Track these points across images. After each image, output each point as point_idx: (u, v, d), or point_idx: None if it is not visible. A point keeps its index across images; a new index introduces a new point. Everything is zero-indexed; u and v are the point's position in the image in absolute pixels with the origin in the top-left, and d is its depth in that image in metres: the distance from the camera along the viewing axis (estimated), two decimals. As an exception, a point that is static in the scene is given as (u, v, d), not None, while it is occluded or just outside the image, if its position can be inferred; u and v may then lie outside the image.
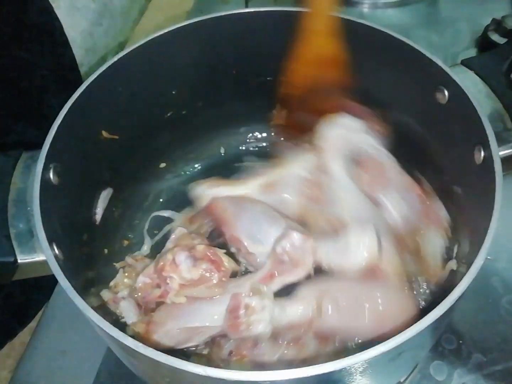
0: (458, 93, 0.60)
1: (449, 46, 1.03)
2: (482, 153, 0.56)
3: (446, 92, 0.63)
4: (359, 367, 0.43)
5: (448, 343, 0.69)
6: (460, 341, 0.69)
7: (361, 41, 0.68)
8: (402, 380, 0.66)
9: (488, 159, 0.55)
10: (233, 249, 0.66)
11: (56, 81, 0.86)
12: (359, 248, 0.60)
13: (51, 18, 0.84)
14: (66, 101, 0.61)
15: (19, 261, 0.56)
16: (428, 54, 0.63)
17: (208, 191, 0.69)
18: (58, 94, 0.82)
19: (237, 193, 0.69)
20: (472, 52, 1.01)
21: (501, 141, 0.58)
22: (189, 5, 1.17)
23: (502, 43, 0.94)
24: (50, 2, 0.82)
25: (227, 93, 0.79)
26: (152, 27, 1.14)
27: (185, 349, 0.60)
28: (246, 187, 0.69)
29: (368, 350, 0.42)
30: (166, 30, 0.68)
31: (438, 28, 1.07)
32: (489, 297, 0.73)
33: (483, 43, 1.00)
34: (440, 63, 0.62)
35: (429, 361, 0.68)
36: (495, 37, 0.96)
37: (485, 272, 0.73)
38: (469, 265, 0.48)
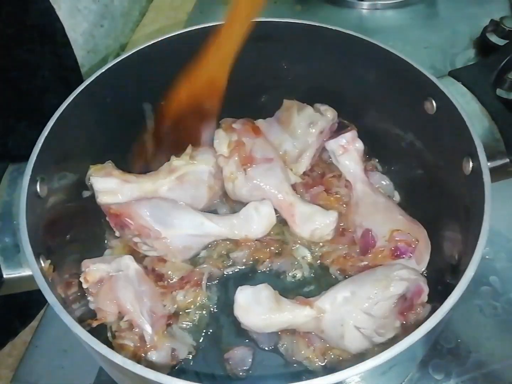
0: (446, 104, 0.60)
1: (448, 47, 1.03)
2: (471, 164, 0.56)
3: (434, 103, 0.63)
4: (350, 382, 0.43)
5: (446, 342, 0.69)
6: (459, 340, 0.69)
7: (349, 51, 0.69)
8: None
9: (477, 169, 0.55)
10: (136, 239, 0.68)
11: (57, 82, 0.86)
12: (260, 216, 0.69)
13: (52, 19, 0.84)
14: (67, 102, 0.61)
15: (4, 276, 0.55)
16: (416, 65, 0.63)
17: (114, 196, 0.68)
18: (60, 95, 0.83)
19: (145, 190, 0.69)
20: (471, 53, 1.02)
21: (490, 152, 0.57)
22: (190, 7, 1.18)
23: (500, 44, 0.94)
24: (52, 3, 0.83)
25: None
26: (153, 28, 1.15)
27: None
28: (154, 184, 0.70)
29: (359, 364, 0.42)
30: (165, 36, 0.68)
31: (436, 29, 1.08)
32: (488, 296, 0.73)
33: (482, 44, 1.00)
34: (428, 74, 0.62)
35: (427, 360, 0.68)
36: (494, 38, 0.97)
37: (484, 272, 0.74)
38: (459, 278, 0.47)
